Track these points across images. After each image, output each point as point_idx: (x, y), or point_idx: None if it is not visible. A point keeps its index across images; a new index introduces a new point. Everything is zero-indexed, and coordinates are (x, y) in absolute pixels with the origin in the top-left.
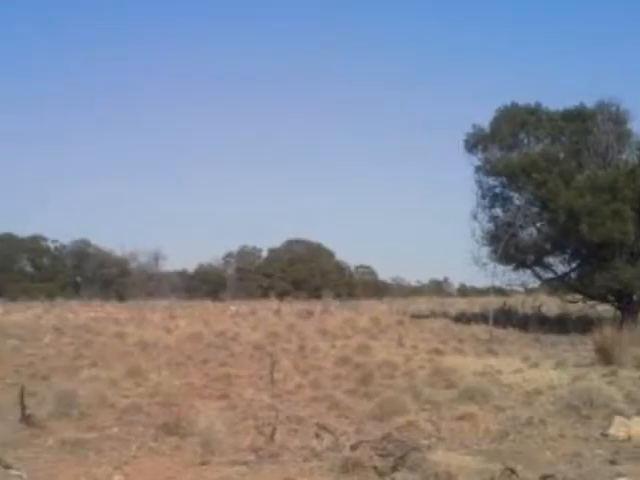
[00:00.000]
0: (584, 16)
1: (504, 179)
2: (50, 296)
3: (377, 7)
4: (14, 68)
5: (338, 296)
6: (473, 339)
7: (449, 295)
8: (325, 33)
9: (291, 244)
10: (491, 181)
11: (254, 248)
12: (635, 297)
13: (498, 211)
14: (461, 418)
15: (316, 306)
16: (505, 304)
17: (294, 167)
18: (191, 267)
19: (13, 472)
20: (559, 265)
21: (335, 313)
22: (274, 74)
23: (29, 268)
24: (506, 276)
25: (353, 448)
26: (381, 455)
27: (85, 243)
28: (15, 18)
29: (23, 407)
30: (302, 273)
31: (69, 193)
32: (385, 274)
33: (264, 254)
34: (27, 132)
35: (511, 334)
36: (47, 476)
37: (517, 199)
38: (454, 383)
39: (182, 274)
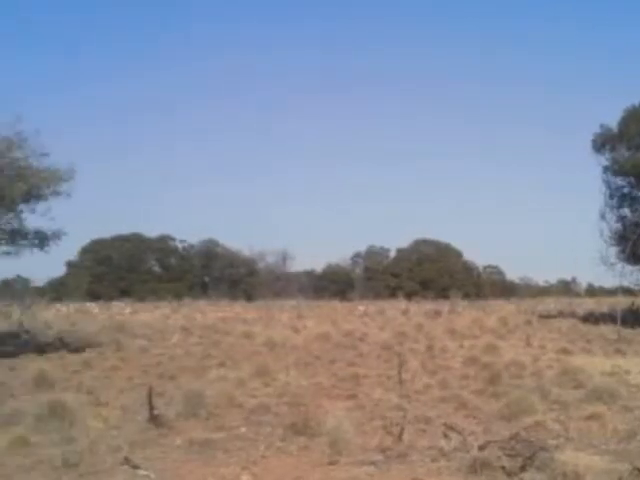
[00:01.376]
0: None
1: (632, 179)
2: (178, 296)
3: (511, 10)
4: (137, 68)
5: (466, 296)
6: (601, 339)
7: (577, 295)
8: (457, 33)
9: (419, 244)
10: (619, 181)
11: (382, 248)
12: None
13: (626, 211)
14: (589, 418)
15: (444, 306)
16: (633, 304)
17: (422, 167)
18: (319, 267)
19: (141, 472)
20: None
21: (463, 313)
22: (401, 74)
23: (157, 268)
24: (634, 276)
25: (481, 448)
26: (509, 455)
27: (213, 243)
28: (149, 19)
29: (151, 407)
30: (430, 273)
31: (197, 193)
32: (513, 274)
33: (392, 254)
34: (156, 133)
35: (639, 334)
36: (175, 476)
37: None
38: (582, 383)
39: (310, 274)
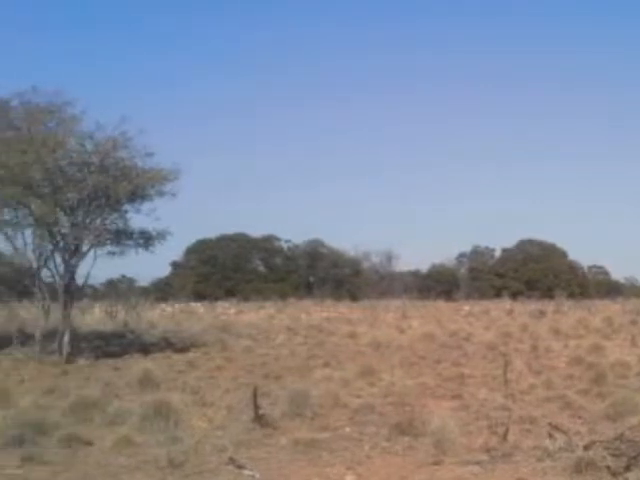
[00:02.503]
0: None
1: None
2: (282, 296)
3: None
4: (246, 66)
5: (571, 296)
6: None
7: None
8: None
9: (524, 244)
10: None
11: (487, 248)
12: None
13: None
14: None
15: (549, 306)
16: None
17: (526, 166)
18: (424, 267)
19: (246, 472)
20: None
21: (568, 313)
22: (510, 74)
23: (262, 268)
24: None
25: (586, 448)
26: (614, 455)
27: (318, 243)
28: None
29: (256, 407)
30: (535, 273)
31: (303, 193)
32: (618, 274)
33: (497, 254)
34: (263, 132)
35: None
36: (280, 476)
37: None
38: None
39: (415, 274)
